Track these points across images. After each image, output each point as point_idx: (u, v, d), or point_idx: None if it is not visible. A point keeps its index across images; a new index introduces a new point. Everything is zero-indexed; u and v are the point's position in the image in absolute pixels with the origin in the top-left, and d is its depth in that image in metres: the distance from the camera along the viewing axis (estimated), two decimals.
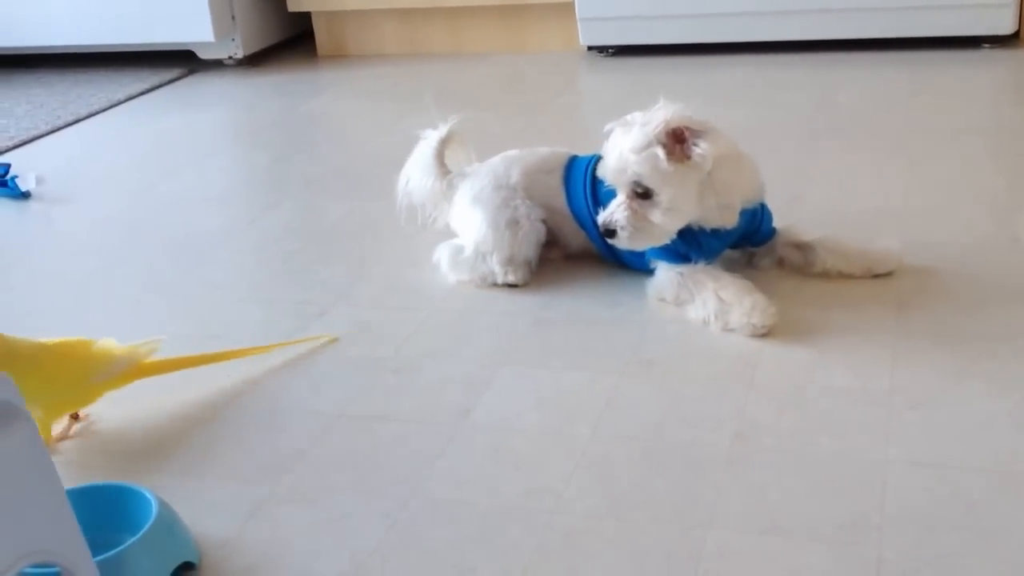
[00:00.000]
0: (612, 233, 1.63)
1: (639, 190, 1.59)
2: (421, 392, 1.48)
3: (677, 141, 1.58)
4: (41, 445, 0.82)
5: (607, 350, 1.55)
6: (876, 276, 1.68)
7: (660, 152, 1.56)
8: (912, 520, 1.14)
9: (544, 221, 1.77)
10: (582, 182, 1.75)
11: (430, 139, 1.89)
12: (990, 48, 2.91)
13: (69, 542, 0.85)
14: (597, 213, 1.74)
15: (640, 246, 1.65)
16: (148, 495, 1.16)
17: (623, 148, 1.59)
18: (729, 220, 1.65)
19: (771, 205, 1.74)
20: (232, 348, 1.59)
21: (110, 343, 1.45)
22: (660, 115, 1.59)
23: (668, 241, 1.64)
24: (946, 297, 1.61)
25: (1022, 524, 1.12)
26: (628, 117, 1.63)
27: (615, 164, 1.61)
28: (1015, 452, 1.24)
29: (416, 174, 1.91)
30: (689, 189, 1.60)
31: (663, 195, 1.58)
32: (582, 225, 1.78)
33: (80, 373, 1.41)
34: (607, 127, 1.64)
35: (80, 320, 1.79)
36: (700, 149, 1.56)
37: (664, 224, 1.60)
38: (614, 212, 1.62)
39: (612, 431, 1.35)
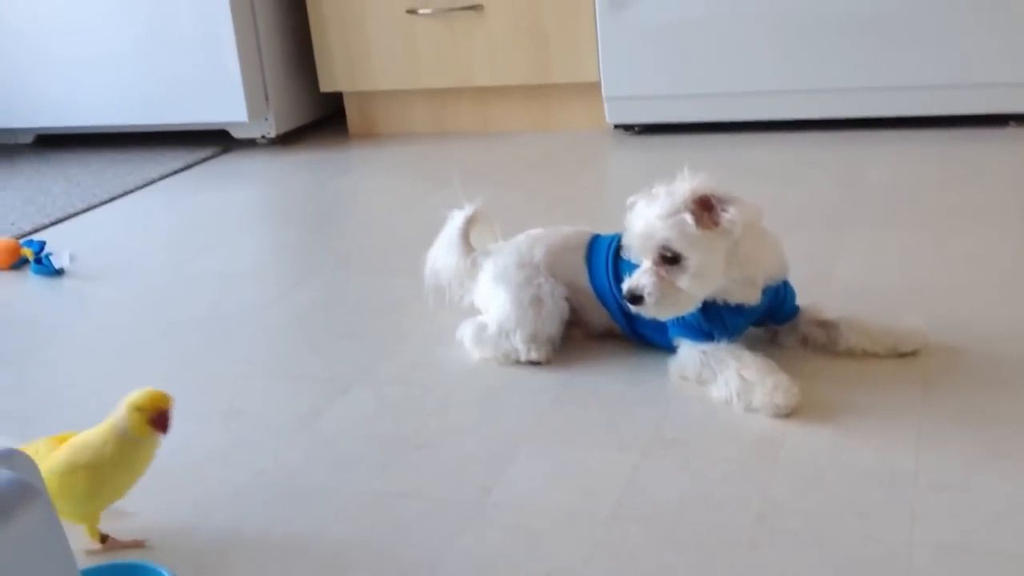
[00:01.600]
0: (638, 299, 1.61)
1: (668, 255, 1.59)
2: (442, 469, 1.47)
3: (705, 208, 1.59)
4: (57, 524, 0.83)
5: (629, 429, 1.54)
6: (901, 355, 1.67)
7: (688, 217, 1.58)
8: None
9: (567, 299, 1.78)
10: (604, 260, 1.77)
11: (456, 219, 1.91)
12: (1016, 126, 2.92)
13: None
14: (617, 291, 1.75)
15: (665, 314, 1.64)
16: (166, 573, 1.16)
17: (650, 216, 1.60)
18: (752, 297, 1.65)
19: (796, 283, 1.74)
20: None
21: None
22: (687, 183, 1.60)
23: (693, 310, 1.63)
24: (972, 377, 1.59)
25: None
26: (653, 189, 1.64)
27: (642, 231, 1.60)
28: None
29: (442, 254, 1.93)
30: (717, 256, 1.60)
31: (691, 260, 1.58)
32: (604, 303, 1.78)
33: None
34: (630, 200, 1.66)
35: (110, 396, 1.80)
36: (729, 215, 1.57)
37: (691, 290, 1.60)
38: (640, 278, 1.61)
39: (632, 511, 1.34)
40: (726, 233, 1.58)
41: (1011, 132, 2.89)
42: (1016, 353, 1.65)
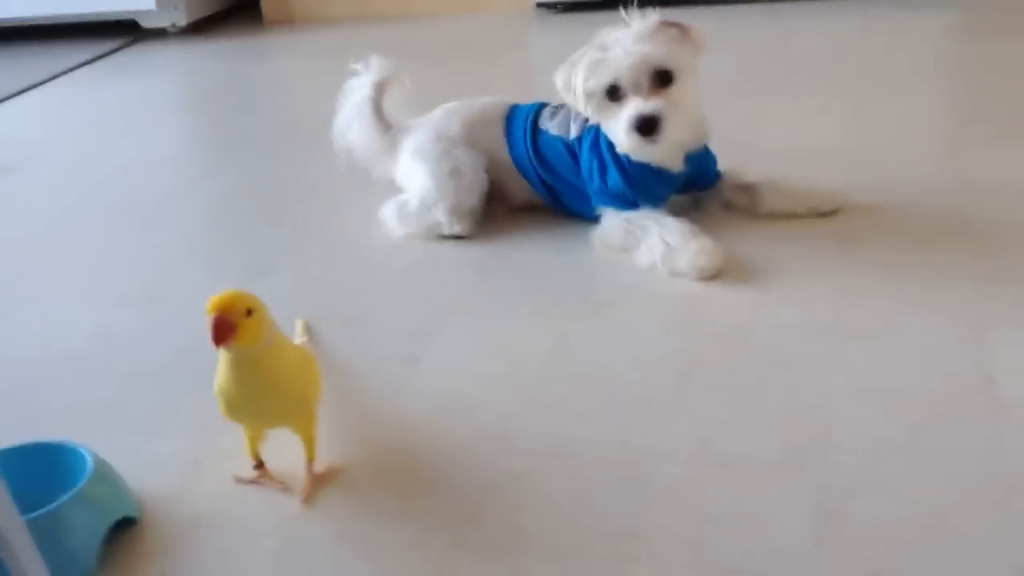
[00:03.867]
0: (653, 125, 1.54)
1: (665, 73, 1.56)
2: (369, 342, 1.46)
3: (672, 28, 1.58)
4: None
5: (554, 297, 1.54)
6: (822, 215, 1.68)
7: (673, 31, 1.56)
8: (857, 447, 1.14)
9: (487, 171, 1.75)
10: (523, 131, 1.74)
11: (363, 84, 1.85)
12: None
13: None
14: (536, 162, 1.72)
15: (672, 142, 1.58)
16: (83, 451, 1.14)
17: (629, 46, 1.55)
18: (676, 161, 1.64)
19: (719, 149, 1.73)
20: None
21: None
22: (643, 19, 1.58)
23: (681, 145, 1.61)
24: (892, 232, 1.61)
25: (966, 447, 1.13)
26: (591, 43, 1.60)
27: (629, 60, 1.54)
28: (959, 378, 1.24)
29: (355, 127, 1.87)
30: (694, 76, 1.59)
31: (684, 76, 1.57)
32: (524, 175, 1.76)
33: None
34: (559, 70, 1.62)
35: (25, 286, 1.75)
36: (695, 29, 1.57)
37: (691, 107, 1.58)
38: (644, 106, 1.54)
39: (560, 373, 1.34)
40: (697, 50, 1.59)
41: (930, 0, 2.88)
42: (932, 209, 1.67)
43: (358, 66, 1.86)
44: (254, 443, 1.19)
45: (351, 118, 1.86)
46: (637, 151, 1.59)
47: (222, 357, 1.10)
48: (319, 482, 1.17)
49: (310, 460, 1.17)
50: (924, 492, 1.07)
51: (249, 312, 1.06)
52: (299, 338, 1.44)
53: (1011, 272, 1.46)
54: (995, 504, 1.04)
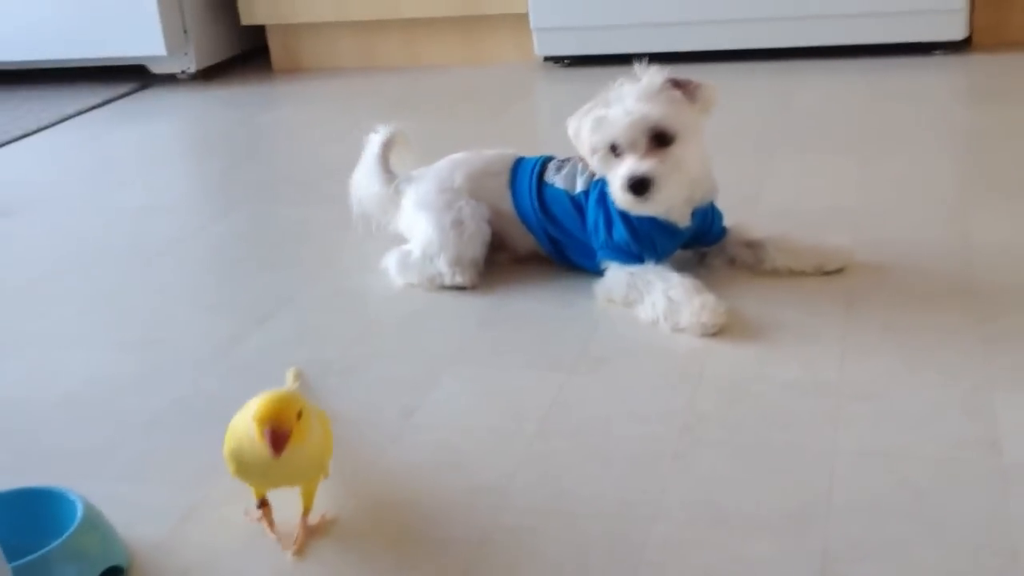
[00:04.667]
0: (644, 186, 1.54)
1: (663, 134, 1.56)
2: (365, 393, 1.44)
3: (679, 88, 1.58)
4: None
5: (555, 349, 1.52)
6: (826, 273, 1.67)
7: (677, 94, 1.56)
8: (859, 509, 1.12)
9: (490, 223, 1.75)
10: (528, 183, 1.74)
11: (373, 142, 1.87)
12: (942, 54, 2.93)
13: None
14: (542, 214, 1.72)
15: (665, 202, 1.58)
16: (73, 497, 1.12)
17: (630, 104, 1.56)
18: (683, 216, 1.64)
19: (724, 206, 1.72)
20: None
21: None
22: (650, 75, 1.58)
23: (688, 194, 1.61)
24: (896, 292, 1.60)
25: (969, 511, 1.11)
26: (600, 96, 1.61)
27: (627, 119, 1.55)
28: (963, 440, 1.23)
29: (364, 180, 1.88)
30: (699, 136, 1.60)
31: (684, 138, 1.57)
32: (528, 227, 1.75)
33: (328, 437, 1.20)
34: (571, 118, 1.63)
35: (24, 328, 1.74)
36: (704, 87, 1.57)
37: (688, 170, 1.58)
38: (638, 165, 1.54)
39: (558, 428, 1.33)
40: (705, 109, 1.59)
41: (937, 60, 2.90)
42: (938, 270, 1.66)
43: (371, 134, 1.87)
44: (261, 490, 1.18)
45: (362, 176, 1.87)
46: (631, 208, 1.59)
47: (242, 429, 1.10)
48: (312, 534, 1.15)
49: (306, 512, 1.15)
50: (927, 557, 1.04)
51: (300, 415, 1.07)
52: (290, 385, 1.43)
53: (1016, 335, 1.44)
54: (1000, 570, 1.02)
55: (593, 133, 1.59)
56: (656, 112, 1.55)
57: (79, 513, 1.10)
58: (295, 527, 1.15)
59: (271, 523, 1.16)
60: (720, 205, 1.71)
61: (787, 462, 1.21)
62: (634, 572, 1.06)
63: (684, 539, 1.10)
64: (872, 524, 1.10)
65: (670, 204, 1.60)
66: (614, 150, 1.58)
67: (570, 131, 1.64)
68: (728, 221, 1.74)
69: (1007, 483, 1.14)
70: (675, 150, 1.57)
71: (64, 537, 1.06)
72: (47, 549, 1.05)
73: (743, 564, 1.06)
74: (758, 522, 1.12)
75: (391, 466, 1.28)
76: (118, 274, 1.93)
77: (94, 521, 1.11)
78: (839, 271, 1.67)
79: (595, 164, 1.62)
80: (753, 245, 1.72)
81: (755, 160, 2.24)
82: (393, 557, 1.11)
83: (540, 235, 1.75)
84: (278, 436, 1.05)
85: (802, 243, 1.70)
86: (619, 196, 1.58)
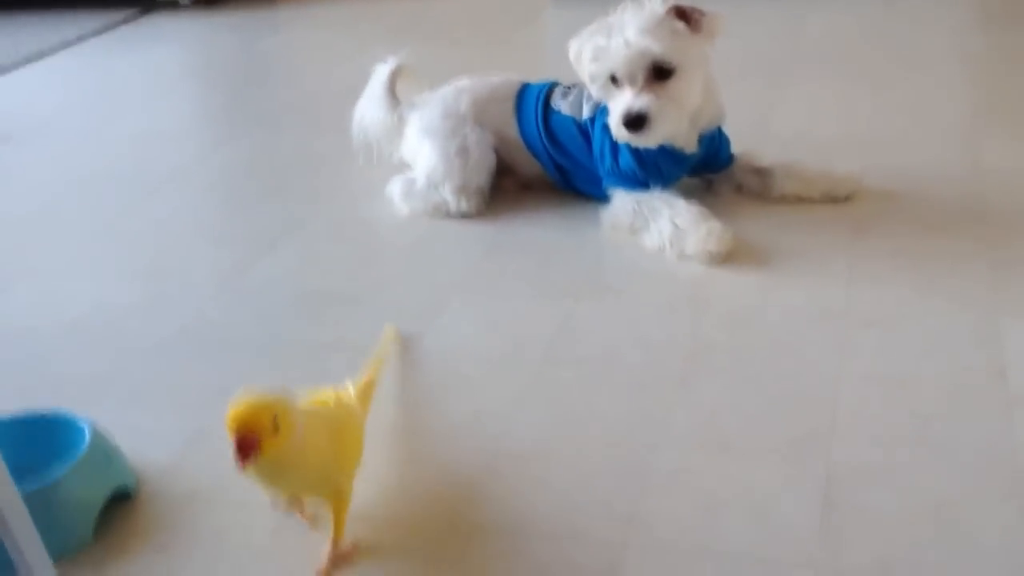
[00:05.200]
0: (641, 122, 1.52)
1: (663, 68, 1.53)
2: (371, 320, 1.44)
3: (682, 17, 1.54)
4: None
5: (561, 277, 1.52)
6: (835, 200, 1.65)
7: (679, 24, 1.53)
8: (864, 435, 1.12)
9: (496, 149, 1.73)
10: (534, 110, 1.71)
11: (381, 71, 1.84)
12: None
13: None
14: (548, 141, 1.70)
15: (662, 136, 1.56)
16: (81, 423, 1.13)
17: (630, 36, 1.52)
18: (690, 142, 1.62)
19: (732, 132, 1.70)
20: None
21: (342, 389, 1.12)
22: (656, 3, 1.54)
23: (691, 123, 1.59)
24: (905, 219, 1.58)
25: (974, 437, 1.11)
26: (608, 18, 1.58)
27: (626, 52, 1.51)
28: (970, 367, 1.22)
29: (369, 108, 1.86)
30: (703, 66, 1.57)
31: (684, 70, 1.53)
32: (534, 153, 1.74)
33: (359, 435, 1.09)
34: (572, 41, 1.60)
35: (29, 258, 1.74)
36: (709, 16, 1.53)
37: (688, 103, 1.55)
38: (636, 100, 1.52)
39: (564, 355, 1.32)
40: (708, 38, 1.55)
41: None
42: (947, 196, 1.65)
43: (378, 64, 1.85)
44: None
45: (366, 104, 1.85)
46: (629, 142, 1.57)
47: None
48: (341, 561, 1.02)
49: (333, 539, 1.02)
50: (931, 482, 1.05)
51: (274, 422, 0.93)
52: (384, 346, 1.31)
53: None
54: (1003, 496, 1.02)
55: (593, 62, 1.56)
56: (656, 46, 1.52)
57: (86, 437, 1.10)
58: (324, 552, 1.02)
59: (301, 512, 1.08)
60: (728, 131, 1.69)
61: (792, 388, 1.21)
62: (640, 498, 1.06)
63: (689, 465, 1.10)
64: (877, 450, 1.10)
65: (668, 137, 1.58)
66: (614, 81, 1.56)
67: (571, 54, 1.61)
68: (736, 148, 1.72)
69: (1013, 410, 1.14)
70: (674, 84, 1.54)
71: (72, 461, 1.07)
72: (55, 472, 1.05)
73: (748, 489, 1.06)
74: (763, 448, 1.12)
75: (397, 392, 1.28)
76: (122, 203, 1.92)
77: (101, 445, 1.12)
78: (848, 198, 1.65)
79: (595, 91, 1.60)
80: (761, 172, 1.70)
81: (765, 86, 2.21)
82: (399, 481, 1.12)
83: (546, 162, 1.73)
84: (243, 444, 0.91)
85: (811, 170, 1.68)
86: (617, 130, 1.56)
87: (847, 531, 0.99)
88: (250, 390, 0.94)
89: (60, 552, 1.03)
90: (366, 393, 1.15)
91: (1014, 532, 0.98)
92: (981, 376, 1.20)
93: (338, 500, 1.02)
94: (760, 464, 1.09)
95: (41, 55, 2.93)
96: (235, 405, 0.93)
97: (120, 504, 1.11)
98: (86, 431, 1.11)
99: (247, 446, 0.92)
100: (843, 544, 0.98)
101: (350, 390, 1.12)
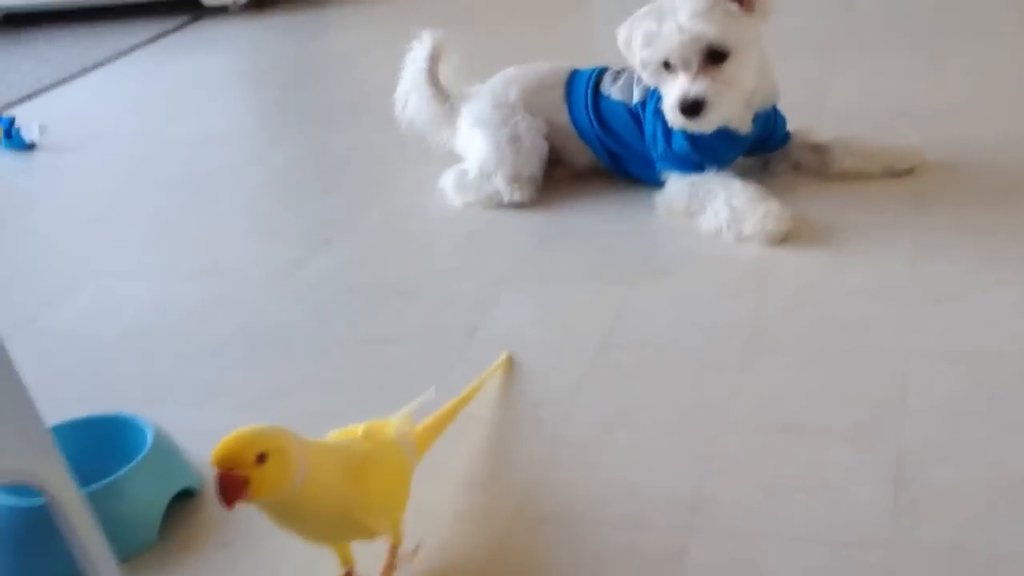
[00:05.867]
0: (698, 108, 1.50)
1: (718, 52, 1.50)
2: (428, 313, 1.44)
3: None
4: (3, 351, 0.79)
5: (616, 263, 1.50)
6: (896, 174, 1.61)
7: (732, 5, 1.50)
8: (935, 411, 1.09)
9: (547, 137, 1.72)
10: (584, 96, 1.70)
11: (417, 54, 1.83)
12: None
13: (45, 462, 0.82)
14: (599, 127, 1.68)
15: (720, 120, 1.53)
16: (144, 424, 1.14)
17: (683, 20, 1.49)
18: (744, 122, 1.59)
19: (788, 109, 1.67)
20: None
21: (380, 422, 1.03)
22: None
23: (749, 106, 1.56)
24: (968, 191, 1.54)
25: None
26: (652, 5, 1.55)
27: (680, 37, 1.49)
28: None
29: (413, 99, 1.85)
30: (756, 46, 1.54)
31: (739, 53, 1.50)
32: (585, 140, 1.72)
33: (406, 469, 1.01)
34: (621, 27, 1.58)
35: (89, 262, 1.76)
36: None
37: (743, 86, 1.53)
38: (692, 86, 1.50)
39: (622, 341, 1.31)
40: (763, 17, 1.52)
41: None
42: (1011, 166, 1.60)
43: (414, 42, 1.83)
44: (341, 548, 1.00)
45: (409, 91, 1.84)
46: (685, 128, 1.55)
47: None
48: (404, 562, 0.99)
49: (395, 544, 0.98)
50: (1005, 457, 1.01)
51: (262, 458, 0.85)
52: (492, 370, 1.26)
53: None
54: None
55: (644, 48, 1.54)
56: (711, 30, 1.49)
57: (149, 438, 1.11)
58: None
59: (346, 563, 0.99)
60: (783, 109, 1.66)
61: (858, 367, 1.18)
62: (703, 482, 1.04)
63: (753, 448, 1.08)
64: (948, 426, 1.07)
65: (725, 121, 1.55)
66: (666, 66, 1.54)
67: (620, 40, 1.59)
68: (792, 125, 1.68)
69: None
70: (729, 67, 1.51)
71: (136, 461, 1.08)
72: (119, 473, 1.06)
73: (815, 470, 1.04)
74: (829, 428, 1.09)
75: (457, 383, 1.27)
76: (178, 205, 1.94)
77: (164, 445, 1.12)
78: (909, 171, 1.61)
79: (647, 77, 1.58)
80: (819, 148, 1.66)
81: (819, 61, 2.16)
82: (460, 473, 1.11)
83: (598, 148, 1.71)
84: (227, 483, 0.84)
85: (870, 144, 1.64)
86: (672, 116, 1.54)
87: (920, 510, 0.96)
88: (243, 427, 0.87)
89: (126, 552, 1.04)
90: (433, 428, 1.08)
91: None
92: None
93: (373, 538, 0.95)
94: (827, 445, 1.07)
95: (97, 65, 2.97)
96: (222, 440, 0.86)
97: (184, 503, 1.12)
98: (148, 432, 1.12)
99: (230, 485, 0.84)
100: (917, 523, 0.95)
101: (394, 423, 1.02)
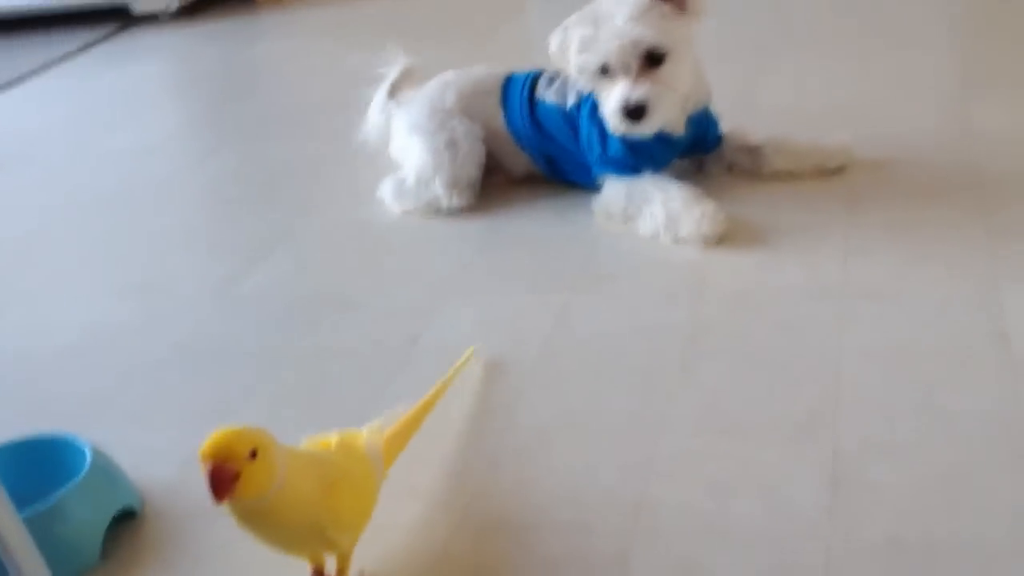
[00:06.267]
0: (640, 112, 1.51)
1: (655, 55, 1.51)
2: (369, 324, 1.43)
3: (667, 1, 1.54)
4: None
5: (556, 269, 1.51)
6: (827, 173, 1.65)
7: (665, 7, 1.52)
8: (869, 410, 1.12)
9: (484, 142, 1.72)
10: (519, 100, 1.70)
11: (383, 82, 1.85)
12: None
13: None
14: (535, 132, 1.69)
15: (661, 123, 1.55)
16: (82, 444, 1.12)
17: (618, 25, 1.51)
18: (678, 125, 1.61)
19: (720, 110, 1.69)
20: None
21: (352, 432, 1.03)
22: None
23: (683, 109, 1.58)
24: (898, 189, 1.57)
25: (981, 405, 1.10)
26: (586, 10, 1.56)
27: (619, 42, 1.50)
28: (971, 334, 1.22)
29: (370, 113, 1.87)
30: (691, 47, 1.56)
31: (676, 54, 1.52)
32: (522, 145, 1.73)
33: (373, 480, 1.00)
34: (554, 34, 1.59)
35: (22, 280, 1.73)
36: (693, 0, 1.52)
37: (681, 86, 1.54)
38: (632, 91, 1.51)
39: (562, 347, 1.32)
40: (696, 17, 1.54)
41: None
42: (940, 163, 1.64)
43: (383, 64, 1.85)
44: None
45: (376, 112, 1.86)
46: (626, 132, 1.56)
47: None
48: None
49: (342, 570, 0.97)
50: (939, 454, 1.04)
51: (254, 454, 0.85)
52: (461, 364, 1.24)
53: (1022, 224, 1.42)
54: (1013, 462, 1.02)
55: (581, 53, 1.55)
56: (649, 33, 1.50)
57: (88, 458, 1.10)
58: None
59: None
60: (716, 110, 1.68)
61: (794, 367, 1.20)
62: (646, 485, 1.05)
63: (693, 449, 1.10)
64: (882, 424, 1.09)
65: (665, 123, 1.57)
66: (604, 71, 1.55)
67: (552, 46, 1.60)
68: (725, 126, 1.71)
69: (1017, 374, 1.13)
70: (667, 68, 1.53)
71: (74, 482, 1.06)
72: (58, 494, 1.05)
73: (754, 471, 1.05)
74: (767, 429, 1.11)
75: (399, 393, 1.27)
76: (112, 220, 1.92)
77: (103, 465, 1.11)
78: (840, 170, 1.65)
79: (584, 83, 1.59)
80: (751, 149, 1.69)
81: (750, 62, 2.20)
82: (402, 483, 1.11)
83: (534, 153, 1.72)
84: (220, 475, 0.83)
85: (801, 144, 1.67)
86: (614, 121, 1.55)
87: (857, 508, 0.99)
88: (226, 427, 0.87)
89: (67, 574, 1.02)
90: (398, 437, 1.06)
91: (1023, 499, 0.97)
92: (983, 342, 1.20)
93: (335, 553, 0.94)
94: (765, 445, 1.09)
95: (22, 79, 2.92)
96: (211, 435, 0.85)
97: (126, 524, 1.11)
98: (87, 452, 1.11)
99: (223, 477, 0.83)
100: (853, 521, 0.97)
101: (364, 435, 1.01)
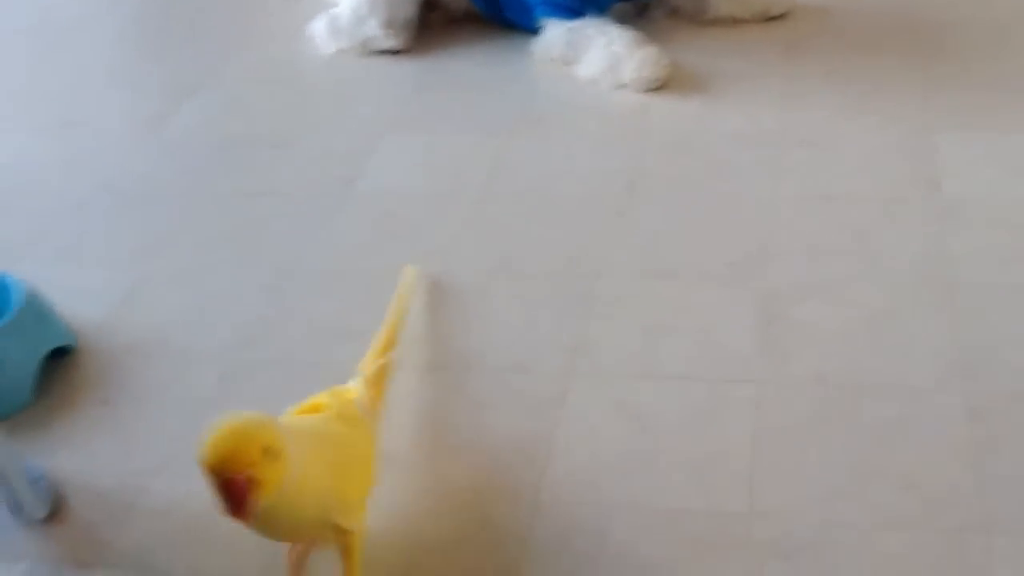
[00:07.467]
0: None
1: None
2: (302, 165, 1.41)
3: None
4: None
5: (494, 112, 1.48)
6: (770, 19, 1.63)
7: None
8: (801, 252, 1.14)
9: None
10: None
11: None
12: None
13: None
14: None
15: None
16: (12, 281, 1.09)
17: None
18: None
19: None
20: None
21: (343, 392, 0.90)
22: None
23: None
24: (838, 37, 1.57)
25: (909, 247, 1.13)
26: None
27: None
28: (903, 180, 1.24)
29: None
30: None
31: None
32: None
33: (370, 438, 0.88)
34: None
35: None
36: None
37: None
38: None
39: (501, 191, 1.31)
40: None
41: None
42: (881, 11, 1.62)
43: None
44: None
45: None
46: None
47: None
48: None
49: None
50: (867, 294, 1.07)
51: (267, 452, 0.71)
52: (404, 288, 1.09)
53: (958, 76, 1.43)
54: (936, 305, 1.05)
55: None
56: None
57: (19, 294, 1.07)
58: None
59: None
60: None
61: (730, 212, 1.22)
62: (583, 327, 1.07)
63: (631, 292, 1.11)
64: (814, 265, 1.11)
65: None
66: None
67: None
68: None
69: (945, 219, 1.16)
70: None
71: (4, 320, 1.04)
72: None
73: (690, 311, 1.07)
74: (703, 271, 1.13)
75: (335, 239, 1.26)
76: (29, 54, 1.83)
77: (35, 302, 1.09)
78: (782, 16, 1.63)
79: None
80: None
81: None
82: (336, 325, 1.11)
83: None
84: (234, 491, 0.69)
85: None
86: None
87: (786, 346, 1.02)
88: (223, 418, 0.72)
89: (0, 413, 1.02)
90: (379, 380, 0.93)
91: (946, 340, 1.01)
92: (915, 189, 1.22)
93: (344, 541, 0.81)
94: (701, 286, 1.11)
95: None
96: (210, 439, 0.70)
97: (60, 361, 1.10)
98: (17, 290, 1.08)
99: (239, 491, 0.69)
100: (782, 359, 1.00)
101: (353, 390, 0.90)
